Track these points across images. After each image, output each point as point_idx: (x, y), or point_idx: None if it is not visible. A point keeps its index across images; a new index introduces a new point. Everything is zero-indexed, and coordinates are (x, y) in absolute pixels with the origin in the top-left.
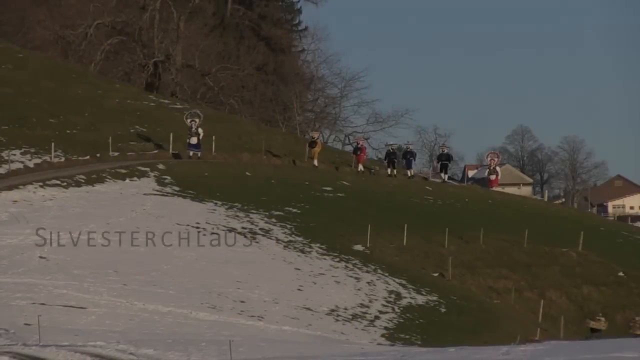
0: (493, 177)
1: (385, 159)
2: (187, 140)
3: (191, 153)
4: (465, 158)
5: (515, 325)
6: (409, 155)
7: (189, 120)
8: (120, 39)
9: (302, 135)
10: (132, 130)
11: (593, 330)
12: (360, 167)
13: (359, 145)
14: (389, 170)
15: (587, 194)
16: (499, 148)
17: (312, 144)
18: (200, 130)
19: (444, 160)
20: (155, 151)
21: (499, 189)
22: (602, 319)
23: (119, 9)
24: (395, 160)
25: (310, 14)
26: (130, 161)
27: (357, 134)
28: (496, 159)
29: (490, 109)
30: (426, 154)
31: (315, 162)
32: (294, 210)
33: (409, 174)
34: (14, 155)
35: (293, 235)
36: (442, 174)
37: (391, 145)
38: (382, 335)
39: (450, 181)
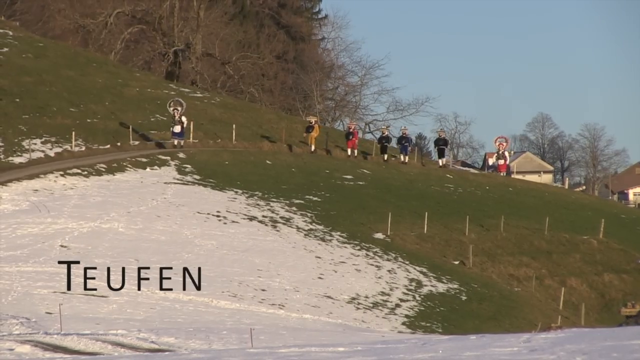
0: (501, 162)
1: (378, 143)
2: (171, 129)
3: (175, 141)
4: (485, 146)
5: (536, 313)
6: (404, 141)
7: (172, 109)
8: (140, 28)
9: (323, 124)
10: (152, 119)
11: (628, 317)
12: (352, 152)
13: (351, 130)
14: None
15: (607, 181)
16: (519, 136)
17: (309, 128)
18: (183, 119)
19: (441, 145)
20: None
21: (519, 176)
22: (637, 305)
23: None
24: (387, 145)
25: (330, 2)
26: (150, 150)
27: (351, 120)
28: (505, 144)
29: (511, 97)
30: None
31: (312, 147)
32: (315, 198)
33: (401, 158)
34: (35, 144)
35: (314, 224)
36: (440, 159)
37: (385, 128)
38: (403, 323)
39: (448, 165)
